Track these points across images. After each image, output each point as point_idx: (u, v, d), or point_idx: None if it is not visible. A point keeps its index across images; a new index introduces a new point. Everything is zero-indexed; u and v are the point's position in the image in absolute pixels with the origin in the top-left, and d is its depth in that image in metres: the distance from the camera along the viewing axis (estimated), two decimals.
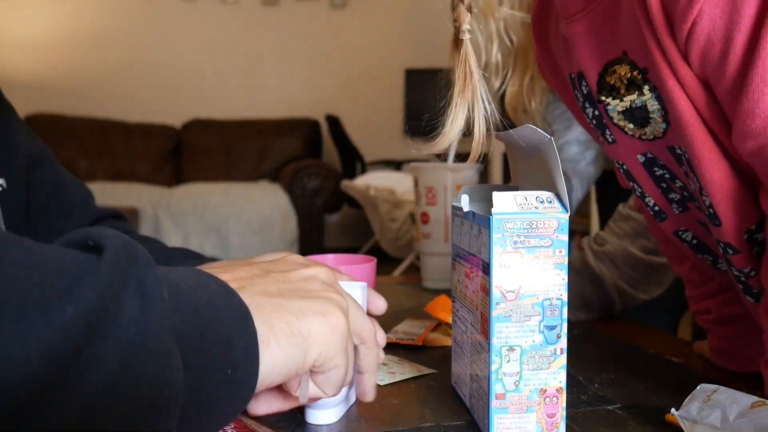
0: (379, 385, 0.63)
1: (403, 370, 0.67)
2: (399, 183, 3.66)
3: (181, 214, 3.83)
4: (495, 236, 0.48)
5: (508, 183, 0.73)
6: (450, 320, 0.82)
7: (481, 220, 0.50)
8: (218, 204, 3.88)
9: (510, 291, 0.48)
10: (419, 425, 0.55)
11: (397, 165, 4.82)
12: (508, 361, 0.49)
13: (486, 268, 0.49)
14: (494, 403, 0.49)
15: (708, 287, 0.72)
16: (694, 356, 0.75)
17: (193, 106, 4.91)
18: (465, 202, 0.55)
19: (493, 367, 0.49)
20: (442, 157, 1.23)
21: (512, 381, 0.49)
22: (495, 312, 0.48)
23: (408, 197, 3.28)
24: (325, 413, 0.54)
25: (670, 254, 0.76)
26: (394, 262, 3.88)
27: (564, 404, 0.50)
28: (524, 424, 0.50)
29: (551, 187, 0.51)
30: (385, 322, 0.85)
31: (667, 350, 0.76)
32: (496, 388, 0.49)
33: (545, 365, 0.49)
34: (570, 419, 0.55)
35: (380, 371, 0.67)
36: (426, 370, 0.68)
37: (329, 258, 0.83)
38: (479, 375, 0.52)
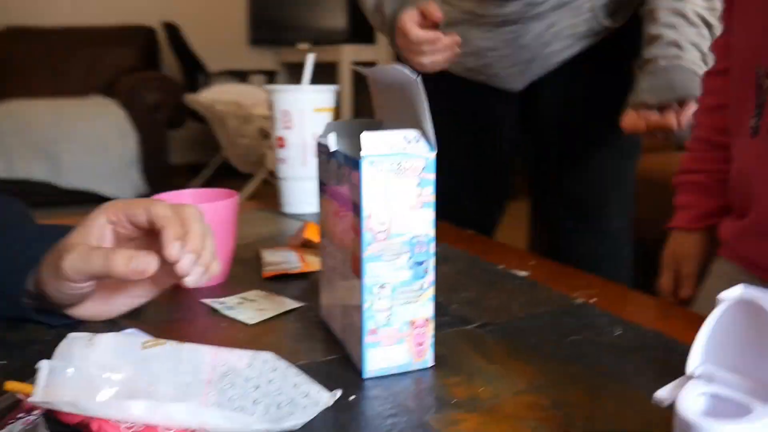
0: (248, 324, 0.64)
1: (273, 307, 0.68)
2: (246, 95, 3.53)
3: (2, 135, 3.45)
4: (365, 178, 0.48)
5: (361, 116, 0.73)
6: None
7: (350, 161, 0.50)
8: (45, 123, 3.53)
9: (381, 231, 0.50)
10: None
11: (242, 76, 4.63)
12: (380, 298, 0.51)
13: (356, 210, 0.50)
14: (367, 339, 0.51)
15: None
16: (540, 270, 0.82)
17: (8, 12, 4.34)
18: (332, 142, 0.55)
19: (366, 305, 0.51)
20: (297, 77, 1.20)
21: (384, 316, 0.51)
22: (366, 253, 0.50)
23: (257, 111, 3.19)
24: None
25: None
26: (243, 177, 3.81)
27: (431, 332, 0.54)
28: (395, 355, 0.53)
29: (417, 125, 0.51)
30: (249, 252, 0.84)
31: (516, 265, 0.83)
32: (369, 325, 0.51)
33: (414, 299, 0.52)
34: (435, 342, 0.58)
35: (250, 309, 0.67)
36: (294, 304, 0.69)
37: (186, 194, 0.80)
38: (351, 311, 0.54)
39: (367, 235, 0.49)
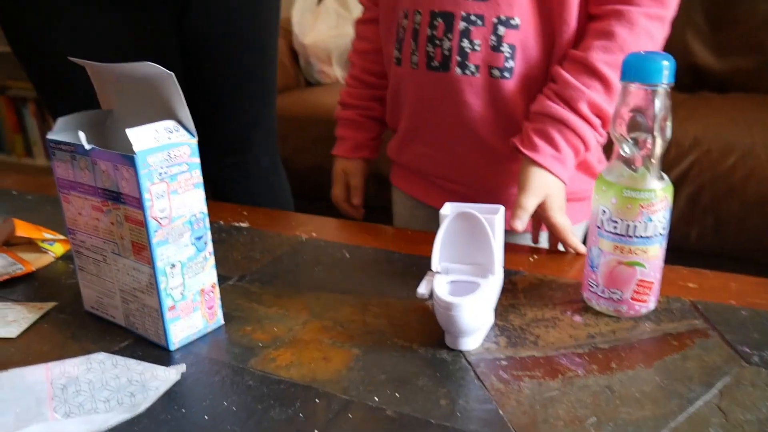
0: (12, 339, 0.61)
1: (24, 315, 0.65)
2: None
3: None
4: (142, 172, 0.52)
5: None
6: (41, 237, 0.79)
7: (119, 158, 0.52)
8: None
9: (164, 218, 0.54)
10: None
11: None
12: (173, 276, 0.56)
13: (134, 202, 0.53)
14: (168, 315, 0.56)
15: None
16: (255, 218, 0.91)
17: None
18: (83, 139, 0.55)
19: (161, 285, 0.55)
20: None
21: (178, 292, 0.56)
22: (155, 239, 0.53)
23: None
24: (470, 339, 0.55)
25: None
26: None
27: (218, 295, 0.61)
28: (193, 323, 0.58)
29: (172, 115, 0.56)
30: None
31: (234, 219, 0.91)
32: (167, 302, 0.56)
33: (200, 270, 0.58)
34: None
35: (2, 325, 0.63)
36: (48, 305, 0.67)
37: None
38: (139, 295, 0.57)
39: (152, 224, 0.53)
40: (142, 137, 0.52)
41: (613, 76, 0.75)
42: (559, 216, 0.77)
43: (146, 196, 0.52)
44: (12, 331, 0.62)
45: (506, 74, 0.81)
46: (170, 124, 0.55)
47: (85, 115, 0.61)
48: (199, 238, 0.57)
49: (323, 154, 1.86)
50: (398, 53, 0.90)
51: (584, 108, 0.76)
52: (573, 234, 0.77)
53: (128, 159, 0.52)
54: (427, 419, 0.48)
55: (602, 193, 0.57)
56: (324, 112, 1.91)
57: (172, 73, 0.52)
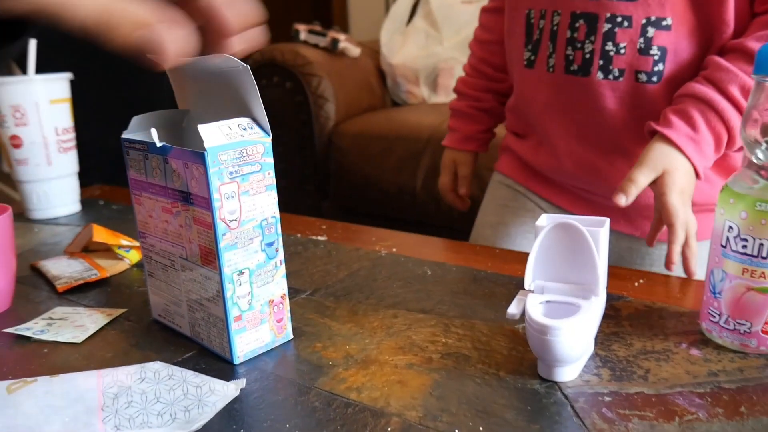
0: (77, 344, 0.59)
1: (93, 320, 0.63)
2: None
3: None
4: (212, 170, 0.48)
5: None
6: (117, 243, 0.78)
7: (190, 155, 0.49)
8: None
9: (233, 220, 0.50)
10: None
11: None
12: (240, 284, 0.52)
13: (203, 202, 0.50)
14: (233, 326, 0.52)
15: None
16: (334, 232, 0.87)
17: None
18: (155, 136, 0.52)
19: (228, 294, 0.51)
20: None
21: (245, 301, 0.52)
22: (223, 243, 0.50)
23: None
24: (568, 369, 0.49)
25: None
26: None
27: (288, 307, 0.56)
28: (260, 336, 0.54)
29: (247, 112, 0.52)
30: (19, 269, 0.76)
31: (312, 232, 0.87)
32: (233, 312, 0.52)
33: (270, 279, 0.54)
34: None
35: (69, 329, 0.61)
36: (116, 311, 0.65)
37: None
38: (206, 303, 0.53)
39: (220, 226, 0.49)
40: (213, 133, 0.49)
41: None
42: (676, 199, 0.67)
43: (215, 195, 0.49)
44: (78, 336, 0.60)
45: (654, 78, 0.74)
46: (244, 121, 0.51)
47: (161, 114, 0.59)
48: (270, 245, 0.53)
49: (409, 174, 1.83)
50: (531, 55, 0.84)
51: (735, 91, 0.67)
52: (684, 228, 0.67)
53: (198, 156, 0.48)
54: None
55: (729, 207, 0.49)
56: (409, 132, 1.87)
57: (248, 66, 0.49)
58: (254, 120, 0.52)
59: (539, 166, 0.92)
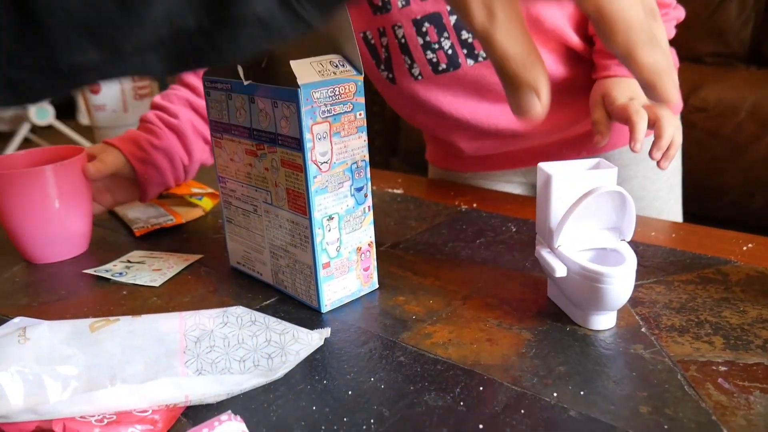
0: (154, 287, 0.58)
1: (169, 265, 0.62)
2: None
3: None
4: (304, 109, 0.46)
5: None
6: (188, 191, 0.77)
7: (280, 93, 0.47)
8: None
9: (324, 162, 0.48)
10: None
11: None
12: (329, 230, 0.49)
13: (293, 143, 0.47)
14: (321, 273, 0.50)
15: None
16: (409, 185, 0.84)
17: None
18: (241, 73, 0.50)
19: (317, 239, 0.49)
20: None
21: (334, 248, 0.50)
22: (313, 186, 0.47)
23: None
24: (609, 317, 0.48)
25: None
26: None
27: (375, 256, 0.54)
28: (347, 284, 0.52)
29: (338, 49, 0.49)
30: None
31: (386, 185, 0.85)
32: (322, 259, 0.50)
33: (358, 225, 0.51)
34: None
35: (146, 273, 0.61)
36: (193, 257, 0.64)
37: (19, 156, 0.69)
38: (291, 250, 0.51)
39: (311, 168, 0.47)
40: (306, 70, 0.46)
41: None
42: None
43: (307, 136, 0.46)
44: (156, 279, 0.59)
45: None
46: (336, 58, 0.48)
47: None
48: (359, 189, 0.51)
49: None
50: (388, 73, 0.81)
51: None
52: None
53: (290, 94, 0.46)
54: (625, 429, 0.38)
55: None
56: None
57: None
58: (345, 57, 0.49)
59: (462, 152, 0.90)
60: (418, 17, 0.74)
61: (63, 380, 0.38)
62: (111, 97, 0.99)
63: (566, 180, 0.48)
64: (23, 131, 2.87)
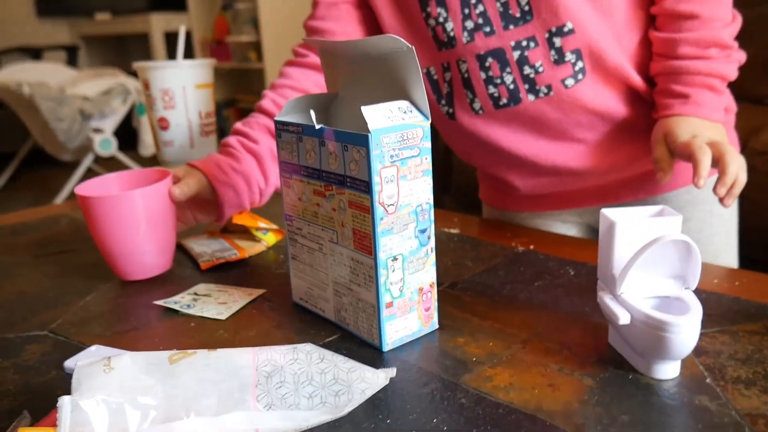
0: (221, 320, 0.60)
1: (234, 299, 0.64)
2: (50, 74, 3.19)
3: None
4: (374, 153, 0.47)
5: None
6: (255, 225, 0.79)
7: (351, 138, 0.49)
8: None
9: (390, 205, 0.49)
10: None
11: (35, 53, 4.16)
12: (393, 270, 0.51)
13: (362, 186, 0.49)
14: (385, 312, 0.51)
15: None
16: (466, 225, 0.85)
17: None
18: (314, 117, 0.52)
19: (381, 279, 0.50)
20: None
21: (397, 288, 0.51)
22: (380, 227, 0.49)
23: (73, 90, 2.89)
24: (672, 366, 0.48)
25: None
26: (60, 165, 3.46)
27: (436, 296, 0.55)
28: (409, 324, 0.53)
29: (406, 95, 0.51)
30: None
31: (443, 224, 0.86)
32: (385, 298, 0.51)
33: (421, 266, 0.53)
34: None
35: (213, 306, 0.63)
36: (257, 292, 0.66)
37: (110, 179, 0.75)
38: (355, 288, 0.53)
39: (379, 210, 0.49)
40: (376, 116, 0.48)
41: (701, 8, 0.71)
42: (712, 139, 0.68)
43: (375, 179, 0.48)
44: (222, 312, 0.61)
45: (580, 76, 0.75)
46: (404, 104, 0.50)
47: (312, 98, 0.59)
48: (423, 231, 0.52)
49: None
50: (449, 108, 0.83)
51: (685, 49, 0.72)
52: (705, 150, 0.65)
53: (361, 138, 0.48)
54: None
55: None
56: None
57: (413, 47, 0.48)
58: (413, 103, 0.51)
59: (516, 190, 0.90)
60: (482, 52, 0.77)
61: (143, 410, 0.40)
62: (179, 134, 1.04)
63: (630, 227, 0.48)
64: (87, 162, 2.99)
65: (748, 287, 0.62)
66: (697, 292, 0.61)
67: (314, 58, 0.85)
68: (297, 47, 0.90)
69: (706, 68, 0.72)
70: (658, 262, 0.48)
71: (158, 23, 4.09)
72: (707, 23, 0.72)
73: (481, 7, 0.75)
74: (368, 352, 0.53)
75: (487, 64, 0.77)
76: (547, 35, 0.75)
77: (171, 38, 4.11)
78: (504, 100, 0.78)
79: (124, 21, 4.25)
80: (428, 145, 0.51)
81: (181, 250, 0.80)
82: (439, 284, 0.66)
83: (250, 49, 3.80)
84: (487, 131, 0.82)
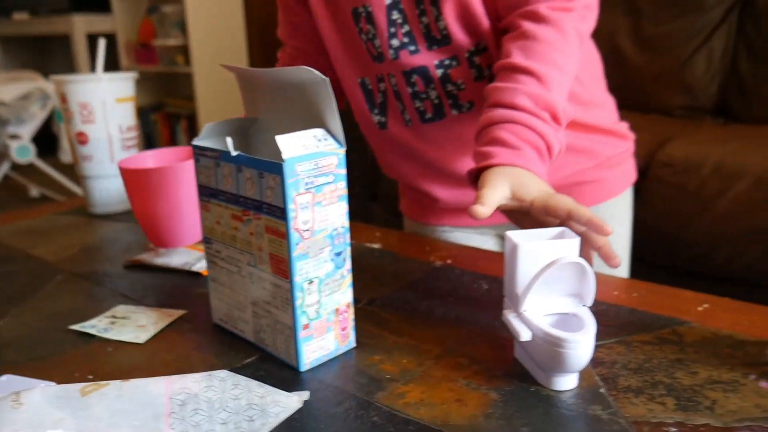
0: (139, 344, 0.60)
1: (153, 321, 0.64)
2: None
3: None
4: (289, 181, 0.49)
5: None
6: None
7: (266, 165, 0.50)
8: None
9: (306, 230, 0.51)
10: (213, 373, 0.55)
11: None
12: (309, 293, 0.52)
13: (277, 212, 0.50)
14: (301, 334, 0.53)
15: None
16: (388, 240, 0.88)
17: None
18: (230, 145, 0.53)
19: (297, 302, 0.52)
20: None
21: (314, 310, 0.53)
22: (296, 252, 0.51)
23: None
24: (571, 378, 0.51)
25: None
26: None
27: (353, 316, 0.57)
28: (326, 344, 0.55)
29: (321, 123, 0.53)
30: (83, 266, 0.78)
31: (365, 238, 0.88)
32: (302, 320, 0.52)
33: (337, 288, 0.54)
34: None
35: (131, 329, 0.63)
36: (177, 313, 0.66)
37: (147, 156, 0.83)
38: (273, 311, 0.54)
39: (294, 236, 0.50)
40: (290, 145, 0.49)
41: (541, 67, 0.69)
42: (544, 193, 0.62)
43: (291, 206, 0.49)
44: (140, 336, 0.61)
45: None
46: (319, 132, 0.52)
47: (230, 122, 0.60)
48: (338, 254, 0.54)
49: None
50: (381, 117, 0.87)
51: (525, 102, 0.68)
52: (573, 204, 0.59)
53: (275, 167, 0.49)
54: None
55: None
56: None
57: (327, 78, 0.50)
58: (328, 131, 0.52)
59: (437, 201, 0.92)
60: (408, 69, 0.80)
61: None
62: (98, 149, 1.02)
63: (532, 249, 0.51)
64: (3, 169, 2.87)
65: (645, 299, 0.67)
66: (597, 303, 0.65)
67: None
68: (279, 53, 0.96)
69: (540, 128, 0.68)
70: (557, 282, 0.51)
71: (80, 25, 3.96)
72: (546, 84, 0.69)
73: (406, 27, 0.79)
74: (287, 372, 0.54)
75: (412, 80, 0.81)
76: (467, 54, 0.78)
77: (94, 40, 3.99)
78: (429, 115, 0.82)
79: (44, 21, 4.09)
80: (343, 171, 0.52)
81: (94, 271, 0.79)
82: (357, 301, 0.68)
83: (177, 53, 3.73)
84: (416, 142, 0.85)
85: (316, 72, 0.50)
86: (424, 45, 0.79)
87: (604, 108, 0.91)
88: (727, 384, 0.51)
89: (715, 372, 0.53)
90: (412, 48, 0.79)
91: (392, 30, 0.79)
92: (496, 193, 0.61)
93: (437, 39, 0.78)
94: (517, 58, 0.70)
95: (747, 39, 1.95)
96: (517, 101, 0.68)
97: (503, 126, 0.68)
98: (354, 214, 1.33)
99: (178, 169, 0.76)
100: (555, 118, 0.69)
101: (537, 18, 0.71)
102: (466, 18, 0.76)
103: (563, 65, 0.71)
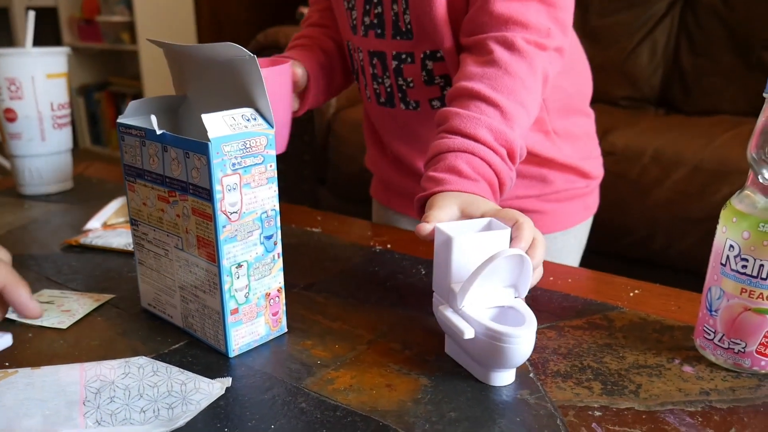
0: (62, 329, 0.58)
1: (80, 305, 0.62)
2: None
3: None
4: (215, 162, 0.47)
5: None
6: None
7: (191, 145, 0.48)
8: None
9: (233, 212, 0.49)
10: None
11: None
12: (238, 277, 0.51)
13: (204, 193, 0.49)
14: (230, 319, 0.51)
15: None
16: (328, 224, 0.87)
17: None
18: (155, 123, 0.51)
19: (225, 286, 0.50)
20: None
21: (243, 294, 0.52)
22: (222, 235, 0.49)
23: None
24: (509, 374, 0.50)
25: None
26: None
27: (284, 300, 0.56)
28: (256, 329, 0.54)
29: (250, 103, 0.51)
30: (9, 246, 0.75)
31: (306, 222, 0.87)
32: (230, 305, 0.51)
33: (267, 272, 0.53)
34: None
35: (54, 314, 0.60)
36: (104, 297, 0.64)
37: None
38: (201, 295, 0.53)
39: (221, 218, 0.49)
40: (217, 124, 0.48)
41: (508, 103, 0.66)
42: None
43: (217, 187, 0.48)
44: (64, 321, 0.59)
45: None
46: (248, 111, 0.50)
47: (157, 99, 0.58)
48: (268, 237, 0.52)
49: None
50: (357, 83, 0.90)
51: (486, 135, 0.65)
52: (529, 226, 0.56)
53: (201, 146, 0.47)
54: None
55: (732, 226, 0.49)
56: None
57: (255, 55, 0.48)
58: (257, 111, 0.51)
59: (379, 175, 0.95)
60: (371, 50, 0.81)
61: None
62: (28, 126, 0.98)
63: (465, 242, 0.50)
64: None
65: (579, 285, 0.68)
66: (531, 289, 0.65)
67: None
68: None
69: (497, 164, 0.66)
70: (494, 274, 0.50)
71: None
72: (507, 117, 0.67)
73: (379, 9, 0.79)
74: (215, 358, 0.53)
75: (374, 61, 0.81)
76: (422, 56, 0.78)
77: (38, 15, 3.82)
78: (383, 99, 0.83)
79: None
80: (273, 152, 0.51)
81: (22, 254, 0.76)
82: (294, 286, 0.67)
83: (122, 30, 3.61)
84: (375, 119, 0.88)
85: (244, 49, 0.48)
86: (390, 32, 0.79)
87: (575, 140, 0.87)
88: (652, 368, 0.52)
89: (641, 356, 0.54)
90: (379, 31, 0.79)
91: (367, 7, 0.80)
92: (443, 213, 0.59)
93: (402, 31, 0.78)
94: (484, 86, 0.67)
95: (688, 33, 1.99)
96: (478, 133, 0.65)
97: (461, 155, 0.65)
98: (302, 198, 1.31)
99: (283, 71, 0.74)
100: (511, 157, 0.66)
101: (512, 48, 0.68)
102: (426, 22, 0.75)
103: (528, 105, 0.68)
